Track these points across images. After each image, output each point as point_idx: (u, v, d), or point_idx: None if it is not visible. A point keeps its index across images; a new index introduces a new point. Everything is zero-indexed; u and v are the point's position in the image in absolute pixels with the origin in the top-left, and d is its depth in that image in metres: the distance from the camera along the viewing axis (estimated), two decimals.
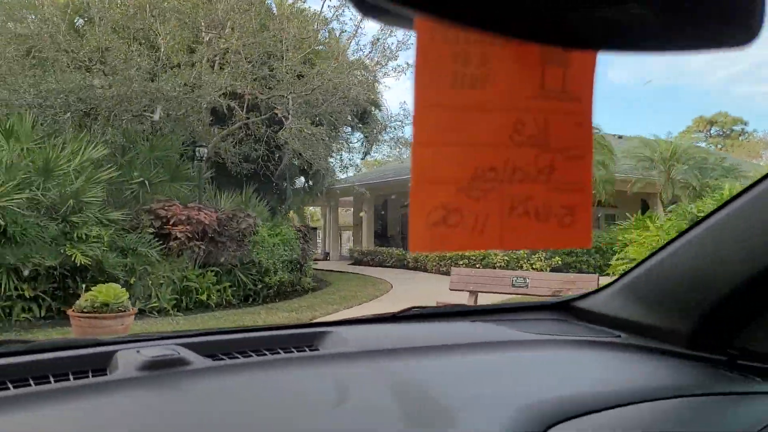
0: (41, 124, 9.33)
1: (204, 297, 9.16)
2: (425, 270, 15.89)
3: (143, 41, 11.14)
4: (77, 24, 12.04)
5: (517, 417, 0.83)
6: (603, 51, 0.41)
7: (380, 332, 1.26)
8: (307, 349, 1.09)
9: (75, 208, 8.02)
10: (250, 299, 10.04)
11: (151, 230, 8.73)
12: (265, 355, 1.05)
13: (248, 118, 12.13)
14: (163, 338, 1.08)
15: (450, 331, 1.28)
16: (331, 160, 15.13)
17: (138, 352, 0.96)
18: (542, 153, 0.43)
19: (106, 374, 0.92)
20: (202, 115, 11.42)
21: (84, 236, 7.84)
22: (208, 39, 11.29)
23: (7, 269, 7.34)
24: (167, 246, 8.76)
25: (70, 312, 5.91)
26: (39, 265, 7.44)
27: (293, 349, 1.08)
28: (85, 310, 5.63)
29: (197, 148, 11.04)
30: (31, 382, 0.87)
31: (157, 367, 0.91)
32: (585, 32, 0.39)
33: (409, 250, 0.40)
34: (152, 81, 10.31)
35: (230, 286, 9.67)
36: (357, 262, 18.92)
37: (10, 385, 0.85)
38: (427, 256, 15.50)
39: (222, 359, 1.01)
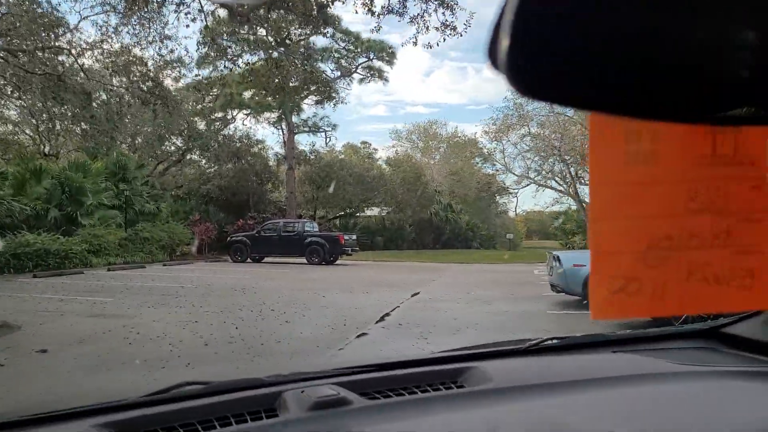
0: None
1: None
2: None
3: None
4: None
5: None
6: None
7: (521, 366, 1.27)
8: (453, 386, 1.13)
9: None
10: None
11: None
12: (415, 393, 1.10)
13: None
14: (318, 377, 1.16)
15: (593, 365, 1.26)
16: None
17: (302, 392, 1.05)
18: (718, 218, 0.44)
19: (277, 415, 1.01)
20: None
21: None
22: None
23: None
24: None
25: None
26: None
27: (440, 387, 1.12)
28: None
29: None
30: (216, 423, 0.97)
31: (322, 407, 0.99)
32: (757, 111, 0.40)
33: (590, 317, 0.42)
34: None
35: None
36: None
37: (198, 427, 0.96)
38: None
39: (377, 398, 1.07)
